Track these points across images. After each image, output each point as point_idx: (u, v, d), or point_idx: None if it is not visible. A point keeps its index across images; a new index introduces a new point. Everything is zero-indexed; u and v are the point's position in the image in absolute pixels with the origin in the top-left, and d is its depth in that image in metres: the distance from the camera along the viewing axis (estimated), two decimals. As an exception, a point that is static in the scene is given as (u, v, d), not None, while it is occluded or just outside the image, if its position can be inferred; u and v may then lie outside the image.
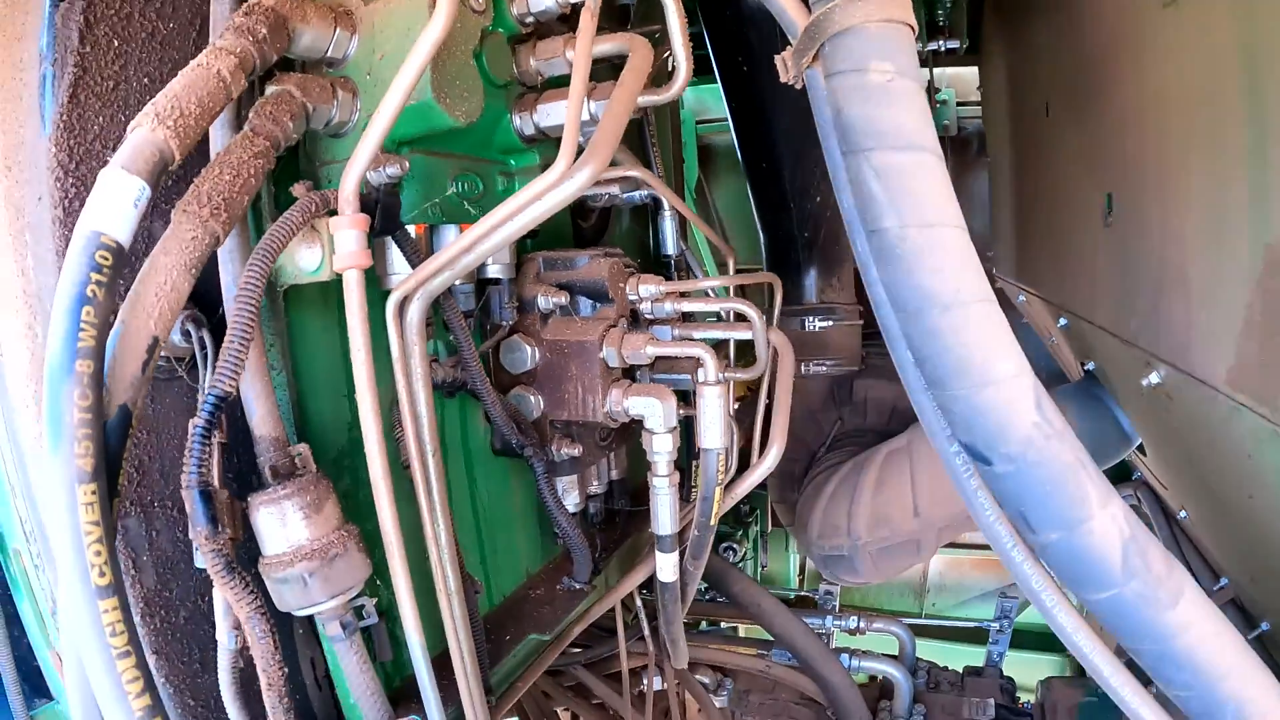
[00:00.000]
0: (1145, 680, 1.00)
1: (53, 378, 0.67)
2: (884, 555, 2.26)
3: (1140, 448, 2.19)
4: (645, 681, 2.58)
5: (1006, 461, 0.95)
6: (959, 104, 3.82)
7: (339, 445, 1.21)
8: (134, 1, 0.98)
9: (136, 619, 0.93)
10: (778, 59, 1.05)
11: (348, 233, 0.93)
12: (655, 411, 1.40)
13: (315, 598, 0.93)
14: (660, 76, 1.30)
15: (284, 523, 0.94)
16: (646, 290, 1.51)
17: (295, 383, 1.08)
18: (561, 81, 1.31)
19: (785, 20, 1.03)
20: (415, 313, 1.06)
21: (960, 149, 3.22)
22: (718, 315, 1.84)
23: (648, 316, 1.55)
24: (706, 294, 1.64)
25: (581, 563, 1.50)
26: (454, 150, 1.23)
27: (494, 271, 1.32)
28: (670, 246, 1.83)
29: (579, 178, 0.96)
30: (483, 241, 0.98)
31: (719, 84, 2.60)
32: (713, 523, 1.48)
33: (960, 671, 3.06)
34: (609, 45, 1.15)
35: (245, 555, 0.97)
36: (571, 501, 1.56)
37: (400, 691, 1.28)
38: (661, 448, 1.42)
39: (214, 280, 0.95)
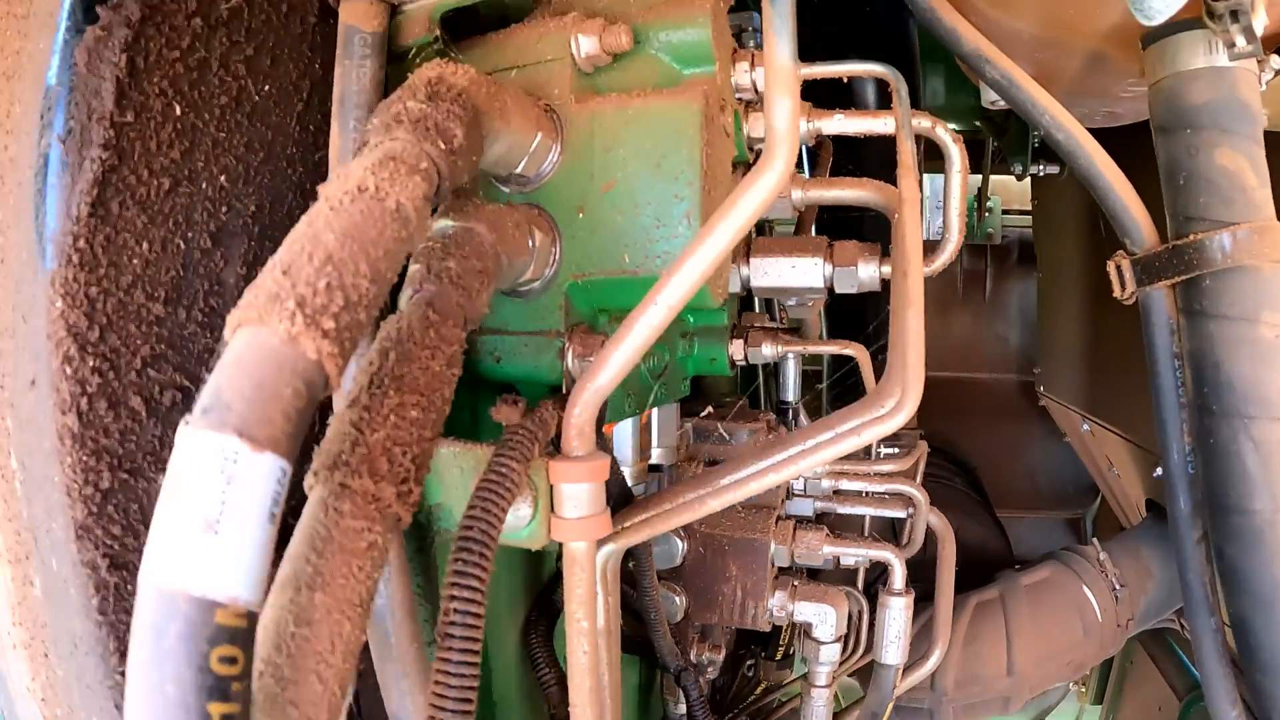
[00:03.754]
0: None
1: None
2: (969, 711, 2.06)
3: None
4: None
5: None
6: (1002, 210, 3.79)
7: None
8: (213, 38, 0.58)
9: None
10: (1111, 266, 0.85)
11: (580, 487, 0.64)
12: (828, 619, 1.15)
13: None
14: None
15: None
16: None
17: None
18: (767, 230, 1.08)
19: (1126, 221, 0.83)
20: (613, 560, 0.77)
21: (1001, 257, 3.15)
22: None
23: (797, 492, 1.31)
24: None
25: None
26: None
27: (657, 457, 1.06)
28: (792, 392, 1.57)
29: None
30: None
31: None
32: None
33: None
34: (859, 192, 0.89)
35: None
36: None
37: None
38: (827, 658, 1.17)
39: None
